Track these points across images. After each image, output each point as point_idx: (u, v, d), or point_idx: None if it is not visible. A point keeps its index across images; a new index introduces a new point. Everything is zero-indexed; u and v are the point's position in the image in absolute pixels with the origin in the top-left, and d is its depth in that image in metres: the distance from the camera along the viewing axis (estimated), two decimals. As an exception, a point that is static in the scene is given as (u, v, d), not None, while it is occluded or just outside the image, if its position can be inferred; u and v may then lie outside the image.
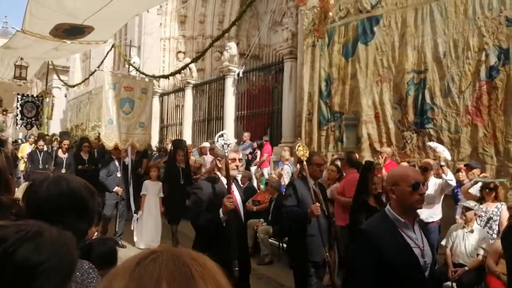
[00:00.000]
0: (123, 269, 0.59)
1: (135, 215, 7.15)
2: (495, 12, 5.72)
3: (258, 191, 8.03)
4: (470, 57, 5.97)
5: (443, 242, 4.81)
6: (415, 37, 6.67)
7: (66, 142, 8.70)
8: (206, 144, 9.76)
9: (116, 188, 7.01)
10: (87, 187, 1.45)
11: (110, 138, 7.17)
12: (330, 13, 8.04)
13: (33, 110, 15.33)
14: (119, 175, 7.10)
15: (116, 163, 7.18)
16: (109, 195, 7.01)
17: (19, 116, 15.11)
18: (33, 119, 15.25)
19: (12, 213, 1.47)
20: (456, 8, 6.14)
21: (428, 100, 6.45)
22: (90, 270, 1.33)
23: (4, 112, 23.48)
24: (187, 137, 13.22)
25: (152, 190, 7.11)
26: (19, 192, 2.00)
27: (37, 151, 9.40)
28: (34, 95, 16.02)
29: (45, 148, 9.53)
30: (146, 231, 7.02)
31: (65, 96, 24.83)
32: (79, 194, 1.40)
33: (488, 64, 5.77)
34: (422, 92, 6.54)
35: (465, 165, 5.45)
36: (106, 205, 6.92)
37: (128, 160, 7.33)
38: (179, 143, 8.24)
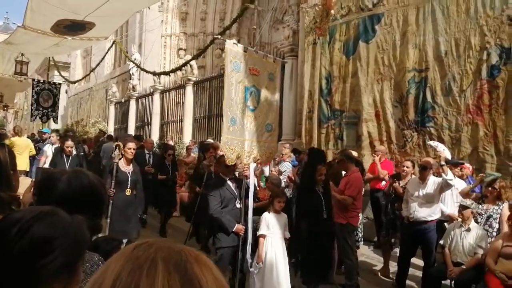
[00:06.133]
0: (120, 253, 0.62)
1: (251, 269, 4.57)
2: (497, 11, 5.71)
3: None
4: (471, 56, 5.97)
5: (441, 241, 4.79)
6: (416, 35, 6.66)
7: (131, 145, 5.41)
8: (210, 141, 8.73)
9: (237, 227, 4.52)
10: (101, 181, 1.55)
11: (232, 146, 4.61)
12: (332, 11, 8.08)
13: (50, 100, 12.86)
14: (238, 205, 4.66)
15: (231, 185, 4.70)
16: (226, 239, 4.51)
17: (34, 106, 12.55)
18: (49, 110, 12.82)
19: (11, 209, 1.49)
20: (458, 7, 6.14)
21: (429, 98, 6.46)
22: (100, 262, 1.41)
23: (5, 108, 23.53)
24: (188, 134, 13.22)
25: (276, 228, 4.57)
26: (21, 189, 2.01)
27: (63, 155, 6.94)
28: (51, 82, 13.61)
29: (74, 152, 7.11)
30: None
31: (66, 92, 24.88)
32: (99, 189, 1.49)
33: (489, 63, 5.77)
34: (423, 90, 6.54)
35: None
36: (219, 257, 4.49)
37: (251, 182, 4.82)
38: (319, 155, 5.34)
